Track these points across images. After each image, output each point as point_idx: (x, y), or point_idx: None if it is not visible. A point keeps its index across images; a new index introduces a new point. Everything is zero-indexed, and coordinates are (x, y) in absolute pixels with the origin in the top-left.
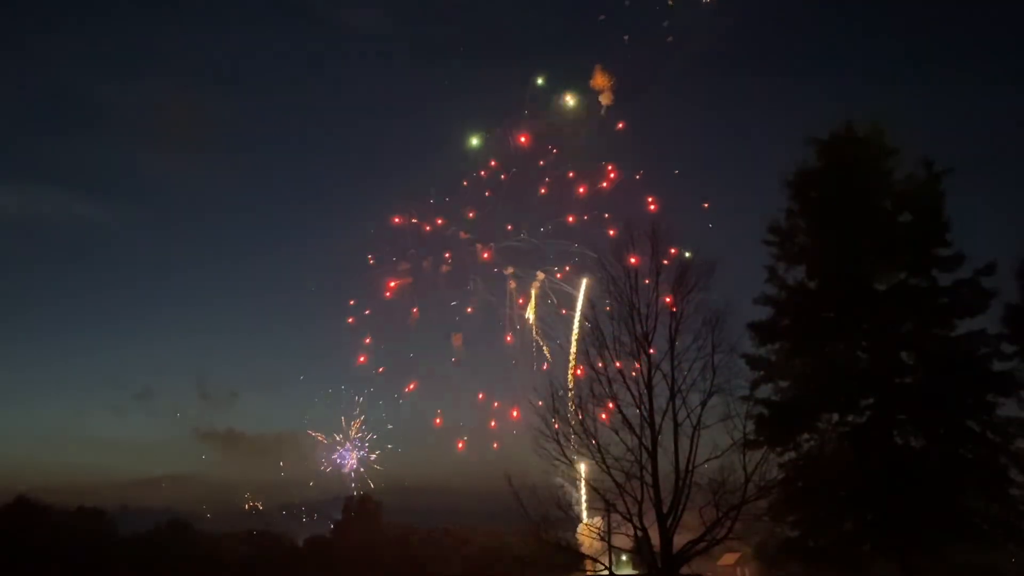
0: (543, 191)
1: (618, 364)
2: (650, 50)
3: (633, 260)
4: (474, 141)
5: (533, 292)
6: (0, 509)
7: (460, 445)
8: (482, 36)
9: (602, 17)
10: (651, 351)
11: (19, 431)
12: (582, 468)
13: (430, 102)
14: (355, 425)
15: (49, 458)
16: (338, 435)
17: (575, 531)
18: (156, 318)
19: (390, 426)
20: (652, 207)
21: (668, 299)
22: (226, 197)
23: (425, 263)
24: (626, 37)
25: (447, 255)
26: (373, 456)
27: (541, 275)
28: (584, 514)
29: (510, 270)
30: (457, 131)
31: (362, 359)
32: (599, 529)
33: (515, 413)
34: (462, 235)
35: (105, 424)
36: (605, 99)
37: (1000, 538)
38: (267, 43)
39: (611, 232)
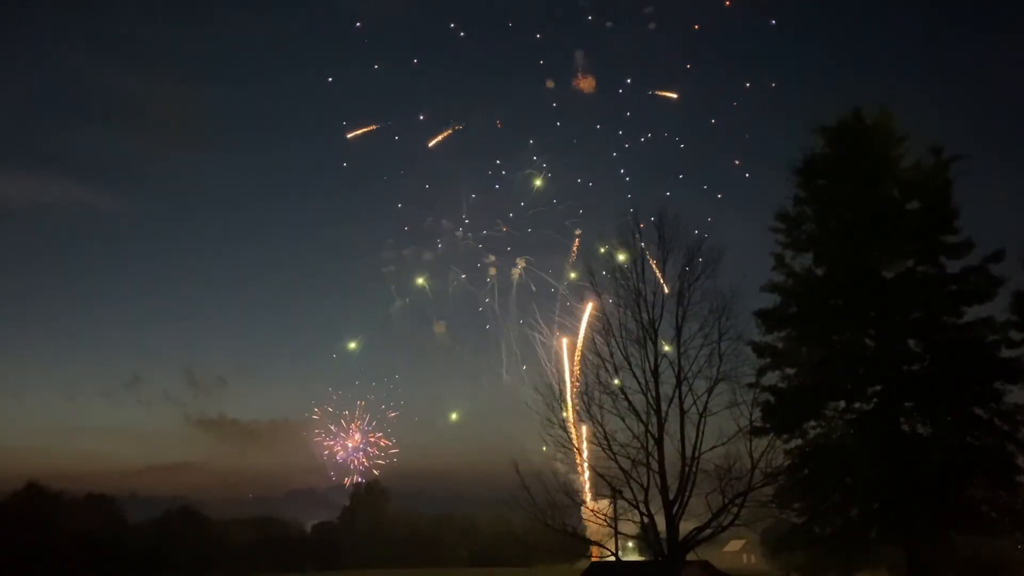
0: None
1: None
2: (632, 36)
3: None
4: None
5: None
6: (9, 495)
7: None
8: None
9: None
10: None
11: (14, 418)
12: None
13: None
14: (359, 413)
15: (43, 445)
16: (343, 422)
17: (581, 517)
18: (143, 306)
19: (392, 413)
20: None
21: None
22: (216, 189)
23: (405, 252)
24: (609, 23)
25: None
26: (379, 444)
27: (522, 263)
28: (588, 498)
29: (491, 258)
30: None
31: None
32: (605, 515)
33: None
34: (444, 223)
35: (97, 412)
36: (587, 85)
37: (1007, 526)
38: (269, 35)
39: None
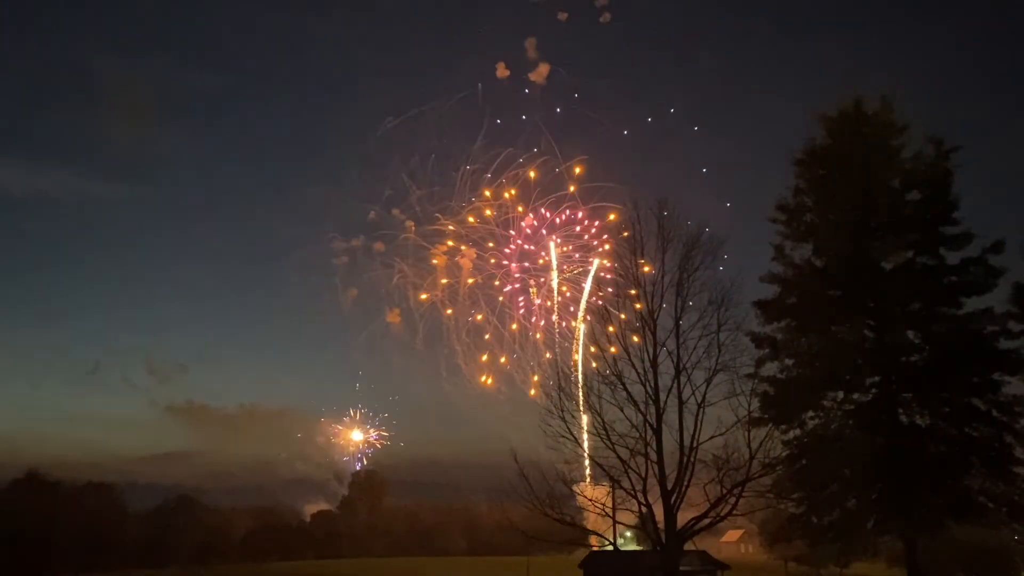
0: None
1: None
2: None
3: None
4: None
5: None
6: (10, 483)
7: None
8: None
9: None
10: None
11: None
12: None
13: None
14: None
15: (27, 433)
16: (343, 414)
17: (579, 507)
18: (104, 294)
19: (393, 394)
20: None
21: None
22: (174, 179)
23: (355, 242)
24: (564, 15)
25: None
26: (376, 434)
27: (472, 252)
28: (586, 483)
29: (441, 248)
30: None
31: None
32: (603, 504)
33: None
34: (394, 211)
35: (64, 401)
36: (538, 76)
37: (1004, 516)
38: (267, 27)
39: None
